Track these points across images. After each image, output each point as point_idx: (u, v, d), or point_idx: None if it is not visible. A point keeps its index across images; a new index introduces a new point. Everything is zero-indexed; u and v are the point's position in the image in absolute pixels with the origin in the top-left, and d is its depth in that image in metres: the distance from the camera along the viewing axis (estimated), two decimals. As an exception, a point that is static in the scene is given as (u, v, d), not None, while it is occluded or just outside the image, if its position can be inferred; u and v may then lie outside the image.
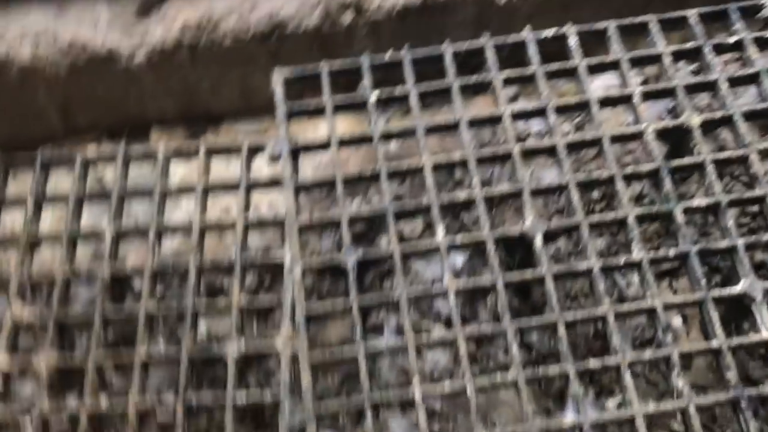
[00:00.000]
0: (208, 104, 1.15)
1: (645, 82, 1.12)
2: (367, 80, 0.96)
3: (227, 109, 1.16)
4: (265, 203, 1.05)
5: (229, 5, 1.04)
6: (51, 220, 1.02)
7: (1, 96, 1.09)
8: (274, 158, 0.94)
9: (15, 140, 1.07)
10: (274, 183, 0.94)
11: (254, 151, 0.98)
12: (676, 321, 0.97)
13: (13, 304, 0.89)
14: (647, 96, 0.93)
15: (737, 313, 0.88)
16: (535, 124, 1.05)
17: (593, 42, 0.99)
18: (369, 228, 1.05)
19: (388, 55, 0.98)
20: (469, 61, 1.01)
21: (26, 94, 1.09)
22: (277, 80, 0.97)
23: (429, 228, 1.03)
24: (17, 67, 1.05)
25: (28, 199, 0.95)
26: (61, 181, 1.01)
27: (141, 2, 1.06)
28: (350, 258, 0.84)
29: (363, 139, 0.94)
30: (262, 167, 1.04)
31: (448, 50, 0.97)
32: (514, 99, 1.12)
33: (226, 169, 1.04)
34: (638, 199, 1.05)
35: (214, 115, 1.17)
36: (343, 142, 0.93)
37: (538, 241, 0.84)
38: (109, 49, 1.05)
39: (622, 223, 0.85)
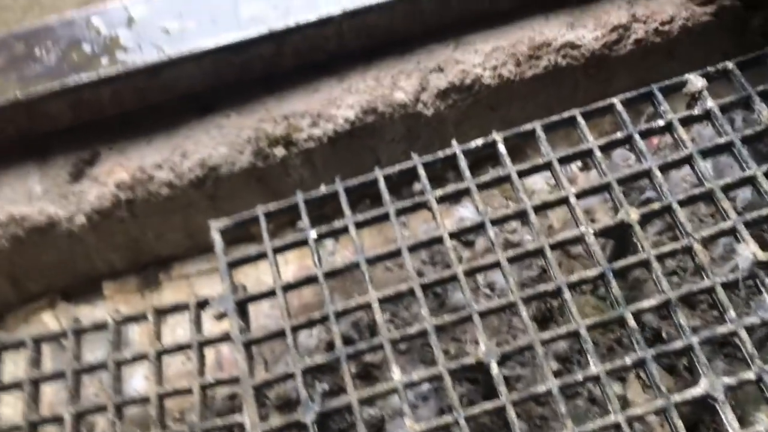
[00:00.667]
0: (155, 250, 1.14)
1: (583, 168, 1.12)
2: (304, 218, 0.96)
3: (175, 252, 1.16)
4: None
5: (160, 158, 1.04)
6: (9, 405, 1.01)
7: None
8: (220, 316, 0.93)
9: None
10: (226, 338, 0.94)
11: (203, 305, 0.97)
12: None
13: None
14: (582, 195, 0.93)
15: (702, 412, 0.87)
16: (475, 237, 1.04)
17: (523, 141, 0.99)
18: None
19: (322, 189, 0.97)
20: (404, 178, 1.01)
21: (-27, 271, 1.08)
22: (214, 232, 0.96)
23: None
24: (-42, 250, 1.05)
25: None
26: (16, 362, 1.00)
27: (71, 168, 1.06)
28: (308, 415, 0.83)
29: (309, 280, 0.93)
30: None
31: (380, 175, 0.97)
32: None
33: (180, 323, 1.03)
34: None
35: (163, 258, 1.16)
36: (290, 286, 0.93)
37: (494, 368, 0.82)
38: (47, 216, 1.04)
39: (575, 335, 0.85)
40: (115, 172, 1.05)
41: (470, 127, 1.07)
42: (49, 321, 1.15)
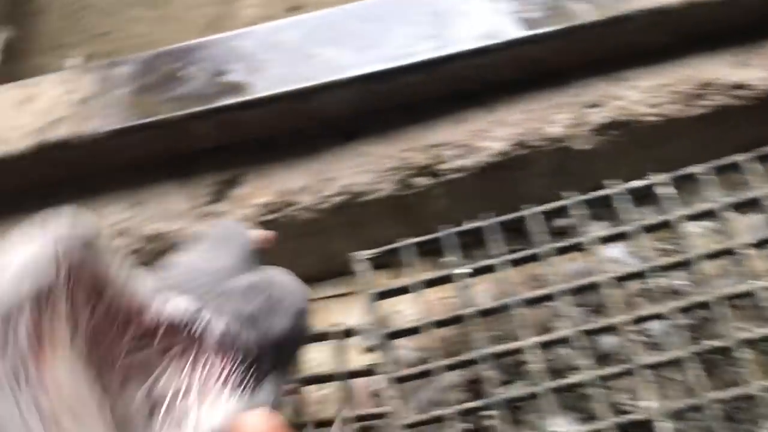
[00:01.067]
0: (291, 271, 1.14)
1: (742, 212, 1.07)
2: (453, 253, 0.94)
3: (308, 274, 1.14)
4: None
5: (303, 183, 1.04)
6: None
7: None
8: (370, 350, 0.91)
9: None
10: (370, 371, 0.92)
11: (348, 334, 0.96)
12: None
13: None
14: (756, 245, 0.88)
15: None
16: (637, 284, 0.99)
17: (681, 184, 0.95)
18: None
19: (469, 225, 0.95)
20: (553, 216, 0.98)
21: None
22: (359, 262, 0.95)
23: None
24: (101, 264, 1.06)
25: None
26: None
27: (213, 189, 1.06)
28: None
29: (456, 320, 0.91)
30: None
31: (530, 213, 0.95)
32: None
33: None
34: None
35: (296, 281, 1.16)
36: (440, 323, 0.91)
37: (666, 428, 0.78)
38: (189, 234, 1.05)
39: (750, 398, 0.80)
40: (257, 195, 1.05)
41: (622, 164, 1.03)
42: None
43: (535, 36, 0.96)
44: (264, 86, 1.00)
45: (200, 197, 1.07)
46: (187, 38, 1.44)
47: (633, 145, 1.01)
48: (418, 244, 0.96)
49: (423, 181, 1.02)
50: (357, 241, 1.10)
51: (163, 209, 1.07)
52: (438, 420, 0.84)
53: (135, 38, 1.48)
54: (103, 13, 1.53)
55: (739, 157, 0.93)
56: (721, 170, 0.93)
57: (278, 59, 1.02)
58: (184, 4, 1.48)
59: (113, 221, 1.06)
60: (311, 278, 1.16)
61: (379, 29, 1.01)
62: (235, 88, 1.01)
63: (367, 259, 0.96)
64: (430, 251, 1.05)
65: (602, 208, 1.01)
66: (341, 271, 1.16)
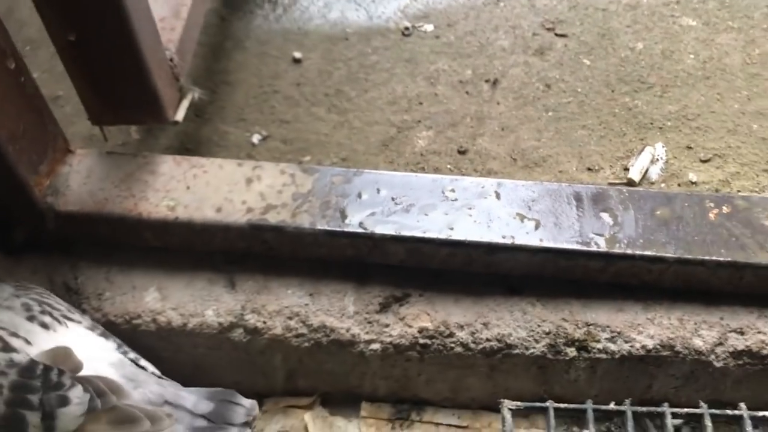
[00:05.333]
0: (418, 391, 1.25)
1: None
2: (590, 426, 1.05)
3: (434, 398, 1.26)
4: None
5: (464, 320, 1.16)
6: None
7: (240, 356, 1.21)
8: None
9: (238, 386, 1.17)
10: None
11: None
12: None
13: None
14: None
15: None
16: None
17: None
18: None
19: (612, 405, 1.07)
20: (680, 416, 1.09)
21: (265, 356, 1.21)
22: (506, 410, 1.07)
23: None
24: (267, 337, 1.18)
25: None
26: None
27: (383, 300, 1.19)
28: None
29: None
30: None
31: (668, 412, 1.06)
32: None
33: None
34: None
35: (421, 400, 1.27)
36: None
37: None
38: (351, 335, 1.17)
39: None
40: (421, 319, 1.18)
41: (746, 388, 1.15)
42: (304, 419, 1.26)
43: (704, 261, 1.10)
44: (461, 231, 1.14)
45: (370, 304, 1.20)
46: (360, 149, 1.62)
47: (763, 373, 1.13)
48: (562, 410, 1.07)
49: (572, 352, 1.14)
50: (491, 382, 1.22)
51: (334, 305, 1.19)
52: None
53: (312, 134, 1.65)
54: (288, 102, 1.70)
55: None
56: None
57: (479, 212, 1.16)
58: (364, 119, 1.66)
59: (288, 304, 1.19)
60: (435, 403, 1.28)
61: (573, 213, 1.15)
62: (437, 225, 1.15)
63: (514, 408, 1.07)
64: (565, 417, 1.16)
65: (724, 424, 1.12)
66: (462, 404, 1.28)
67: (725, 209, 1.15)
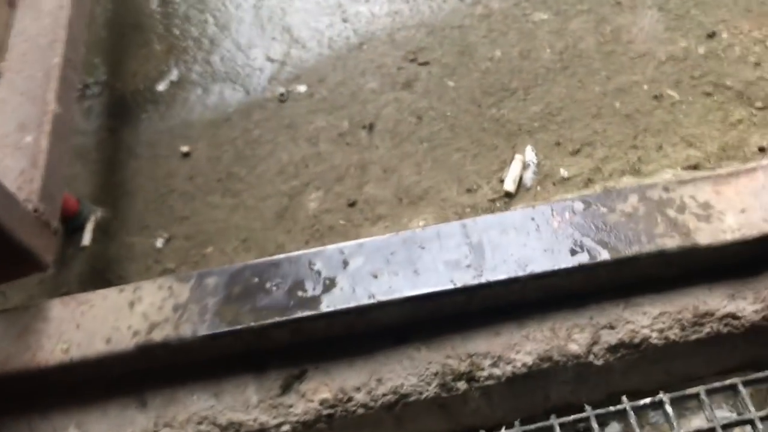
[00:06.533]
0: (342, 455, 1.31)
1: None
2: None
3: (358, 457, 1.32)
4: None
5: (359, 382, 1.21)
6: None
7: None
8: None
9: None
10: None
11: None
12: None
13: None
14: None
15: None
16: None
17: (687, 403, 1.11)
18: None
19: (503, 430, 1.12)
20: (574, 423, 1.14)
21: (191, 462, 1.27)
22: (409, 460, 1.12)
23: None
24: (185, 446, 1.24)
25: None
26: None
27: (282, 382, 1.24)
28: None
29: None
30: None
31: (556, 423, 1.11)
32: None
33: None
34: None
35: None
36: None
37: None
38: (260, 424, 1.23)
39: None
40: (320, 391, 1.23)
41: (634, 376, 1.19)
42: None
43: (561, 270, 1.15)
44: (331, 302, 1.19)
45: (271, 389, 1.25)
46: (257, 226, 1.68)
47: (643, 361, 1.17)
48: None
49: (462, 385, 1.19)
50: (404, 432, 1.27)
51: (238, 400, 1.25)
52: None
53: (211, 223, 1.71)
54: (184, 198, 1.77)
55: (734, 380, 1.10)
56: (718, 391, 1.09)
57: (344, 278, 1.22)
58: (257, 195, 1.72)
59: (196, 410, 1.25)
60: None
61: (429, 258, 1.21)
62: (309, 302, 1.21)
63: (415, 457, 1.12)
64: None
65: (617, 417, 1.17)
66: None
67: (567, 215, 1.20)
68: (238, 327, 1.21)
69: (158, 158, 1.88)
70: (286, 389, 1.25)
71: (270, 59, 1.99)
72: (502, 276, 1.15)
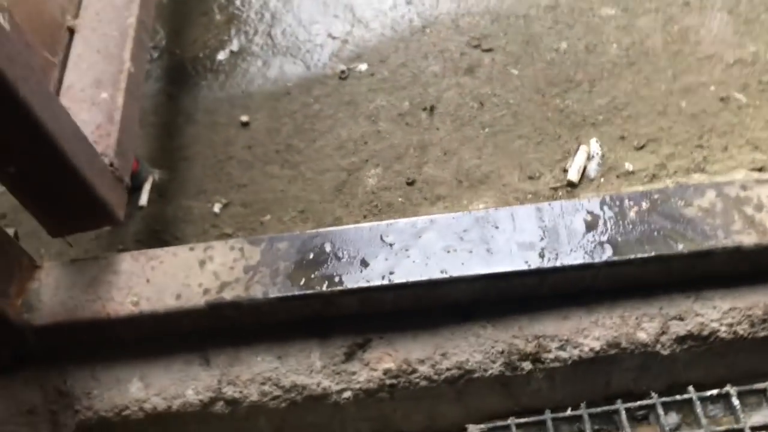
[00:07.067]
0: (399, 426, 1.32)
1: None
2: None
3: (414, 429, 1.33)
4: None
5: (424, 355, 1.23)
6: None
7: (226, 426, 1.29)
8: None
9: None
10: None
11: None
12: None
13: None
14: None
15: None
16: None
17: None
18: None
19: (569, 411, 1.13)
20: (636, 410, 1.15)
21: (250, 422, 1.29)
22: (473, 434, 1.14)
23: None
24: (246, 405, 1.26)
25: None
26: None
27: (347, 350, 1.26)
28: None
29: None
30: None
31: (622, 408, 1.12)
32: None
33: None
34: None
35: (408, 433, 1.35)
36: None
37: None
38: (323, 388, 1.24)
39: None
40: (384, 361, 1.25)
41: (697, 368, 1.20)
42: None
43: (637, 259, 1.16)
44: (403, 274, 1.21)
45: (335, 356, 1.27)
46: (316, 198, 1.69)
47: (709, 354, 1.19)
48: (523, 424, 1.14)
49: (527, 366, 1.21)
50: (462, 407, 1.28)
51: (302, 363, 1.27)
52: None
53: (269, 193, 1.73)
54: (243, 166, 1.79)
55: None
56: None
57: (418, 252, 1.23)
58: (315, 169, 1.73)
59: (259, 370, 1.27)
60: (418, 432, 1.35)
61: (503, 236, 1.22)
62: (380, 272, 1.22)
63: (480, 430, 1.14)
64: (531, 428, 1.23)
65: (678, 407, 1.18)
66: (444, 429, 1.35)
67: (644, 205, 1.21)
68: (309, 291, 1.22)
69: (217, 126, 1.90)
70: (349, 356, 1.27)
71: (332, 36, 2.00)
72: (577, 261, 1.17)
